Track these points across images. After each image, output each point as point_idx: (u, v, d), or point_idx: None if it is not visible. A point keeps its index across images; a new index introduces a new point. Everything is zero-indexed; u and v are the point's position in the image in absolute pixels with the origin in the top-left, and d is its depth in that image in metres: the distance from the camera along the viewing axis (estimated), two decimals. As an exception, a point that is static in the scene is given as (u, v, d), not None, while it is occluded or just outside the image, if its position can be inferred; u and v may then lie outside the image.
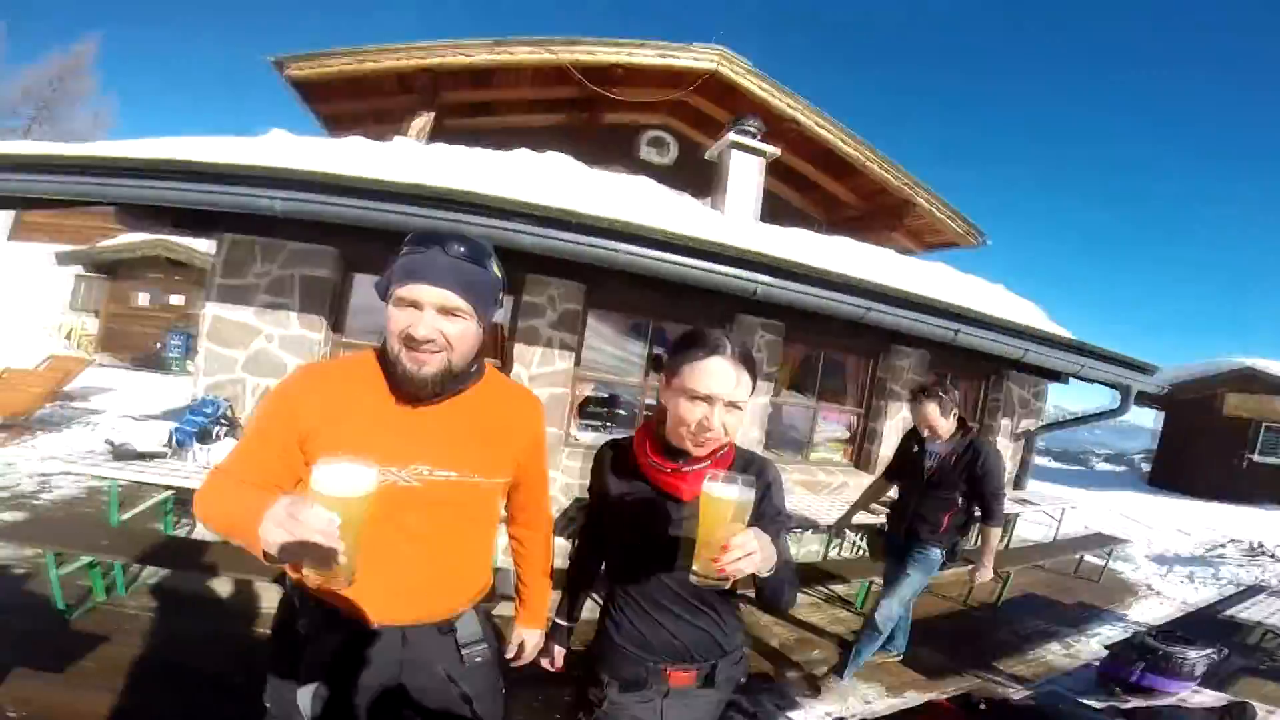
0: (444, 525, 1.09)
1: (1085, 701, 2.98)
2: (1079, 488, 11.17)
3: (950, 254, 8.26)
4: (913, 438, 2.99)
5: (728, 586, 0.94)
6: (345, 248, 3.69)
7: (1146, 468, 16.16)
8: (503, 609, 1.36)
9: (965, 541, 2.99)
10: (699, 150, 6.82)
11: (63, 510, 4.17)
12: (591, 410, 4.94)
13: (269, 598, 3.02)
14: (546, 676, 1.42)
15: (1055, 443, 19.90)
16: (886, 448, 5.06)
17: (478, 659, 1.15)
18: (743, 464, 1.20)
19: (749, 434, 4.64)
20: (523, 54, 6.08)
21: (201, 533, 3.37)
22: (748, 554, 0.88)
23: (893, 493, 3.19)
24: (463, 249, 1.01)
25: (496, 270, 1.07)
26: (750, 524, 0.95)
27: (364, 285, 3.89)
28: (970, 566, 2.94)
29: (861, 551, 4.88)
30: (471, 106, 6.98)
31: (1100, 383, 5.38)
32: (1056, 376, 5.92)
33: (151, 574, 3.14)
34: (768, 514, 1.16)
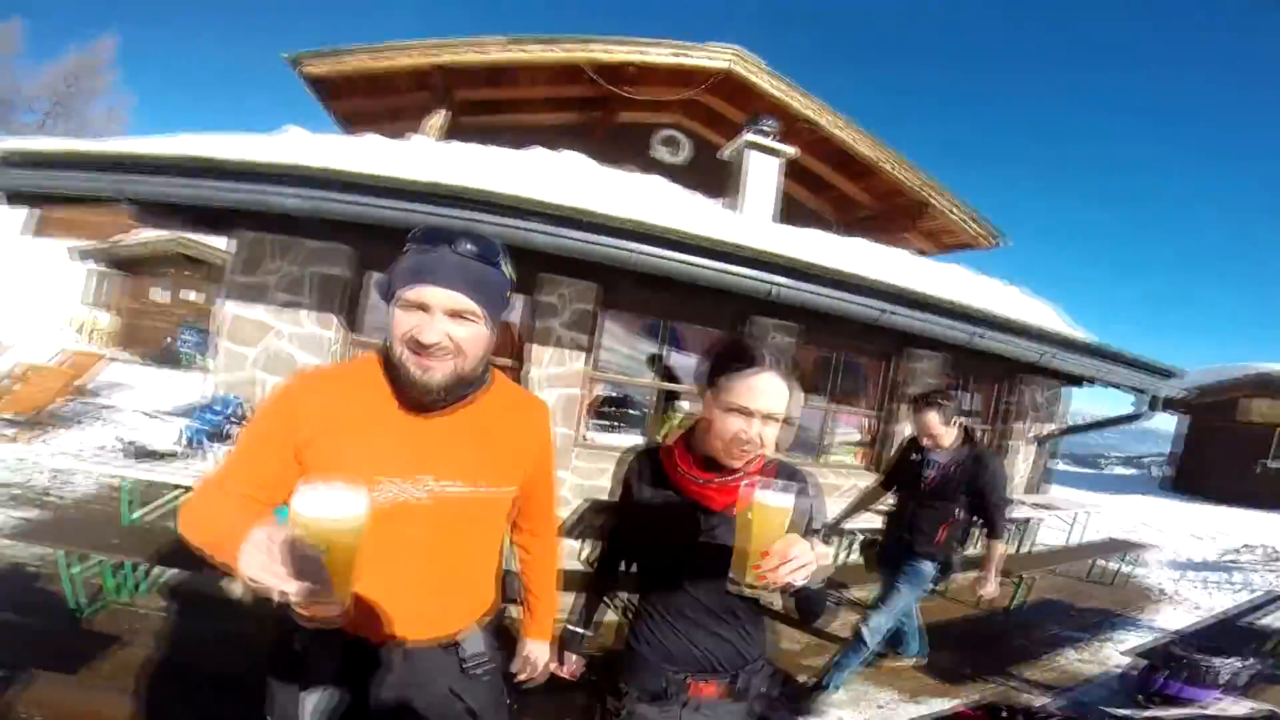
0: (450, 539, 1.04)
1: (1112, 711, 2.92)
2: (1092, 491, 11.02)
3: (966, 255, 8.16)
4: (913, 446, 2.89)
5: (773, 596, 0.93)
6: (360, 246, 3.68)
7: (1160, 471, 15.94)
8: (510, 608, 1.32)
9: (961, 554, 2.88)
10: (713, 150, 6.77)
11: (77, 508, 4.18)
12: (603, 410, 4.92)
13: (283, 599, 3.00)
14: (559, 684, 1.39)
15: (1067, 446, 19.63)
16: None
17: (483, 676, 1.11)
18: (787, 474, 1.17)
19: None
20: (536, 52, 6.05)
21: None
22: (799, 563, 0.87)
23: (891, 500, 3.08)
24: (473, 247, 0.94)
25: (508, 269, 1.01)
26: (796, 533, 0.93)
27: (379, 284, 3.86)
28: (977, 574, 2.84)
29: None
30: (486, 105, 6.97)
31: (1121, 387, 5.29)
32: (1076, 381, 5.83)
33: (165, 574, 3.13)
34: (812, 524, 1.14)
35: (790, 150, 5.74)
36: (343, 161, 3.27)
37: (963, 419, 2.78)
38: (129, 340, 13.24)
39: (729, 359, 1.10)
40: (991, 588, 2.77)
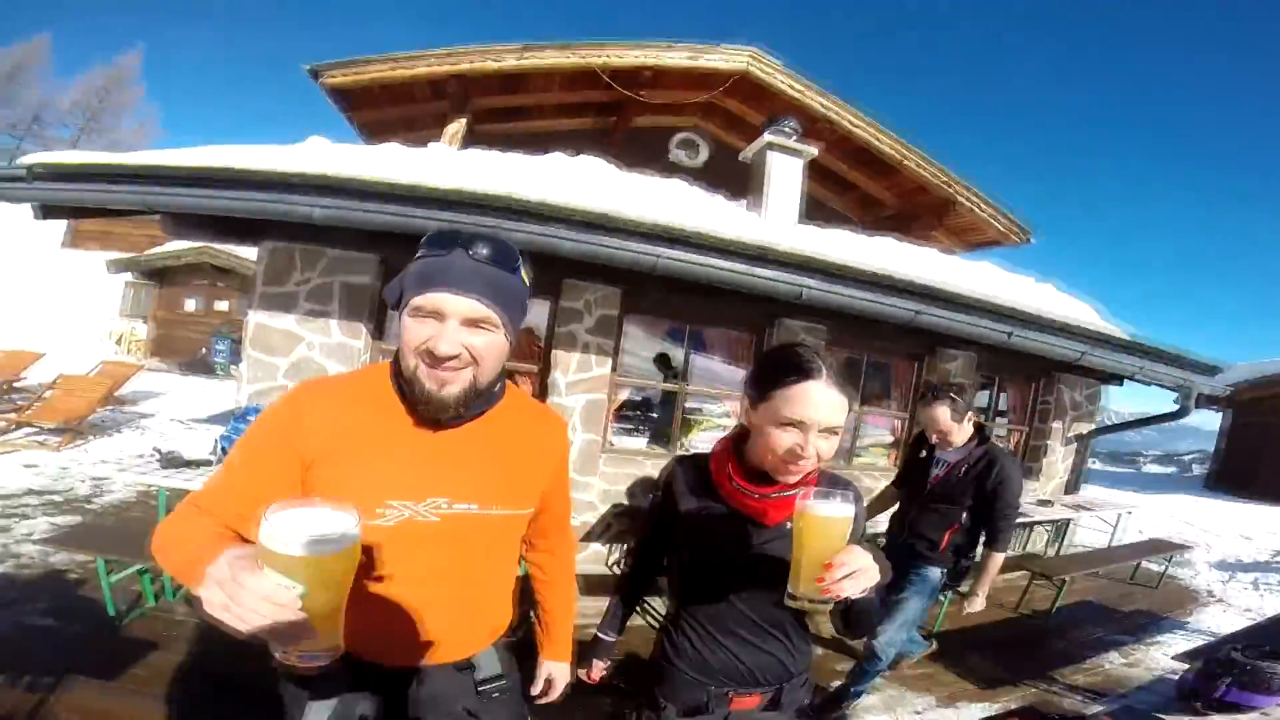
0: (463, 563, 0.99)
1: (1166, 717, 2.80)
2: (1131, 490, 10.70)
3: (996, 252, 8.00)
4: (921, 443, 2.71)
5: (829, 608, 0.89)
6: (385, 254, 3.69)
7: (1200, 469, 15.42)
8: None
9: (971, 561, 2.65)
10: (731, 152, 6.72)
11: (115, 515, 4.26)
12: (625, 414, 4.89)
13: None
14: (586, 688, 1.37)
15: (1102, 444, 19.18)
16: (934, 454, 4.90)
17: (498, 696, 1.08)
18: (829, 482, 1.13)
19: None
20: (551, 58, 6.05)
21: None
22: (855, 572, 0.85)
23: None
24: (488, 251, 0.88)
25: (525, 274, 0.96)
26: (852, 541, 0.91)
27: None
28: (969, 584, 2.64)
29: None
30: (503, 112, 7.00)
31: (1160, 385, 5.12)
32: (1113, 378, 5.66)
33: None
34: (859, 533, 1.09)
35: (812, 150, 5.67)
36: (365, 170, 3.28)
37: (974, 414, 2.56)
38: (163, 350, 13.54)
39: (780, 369, 1.04)
40: (978, 604, 2.53)
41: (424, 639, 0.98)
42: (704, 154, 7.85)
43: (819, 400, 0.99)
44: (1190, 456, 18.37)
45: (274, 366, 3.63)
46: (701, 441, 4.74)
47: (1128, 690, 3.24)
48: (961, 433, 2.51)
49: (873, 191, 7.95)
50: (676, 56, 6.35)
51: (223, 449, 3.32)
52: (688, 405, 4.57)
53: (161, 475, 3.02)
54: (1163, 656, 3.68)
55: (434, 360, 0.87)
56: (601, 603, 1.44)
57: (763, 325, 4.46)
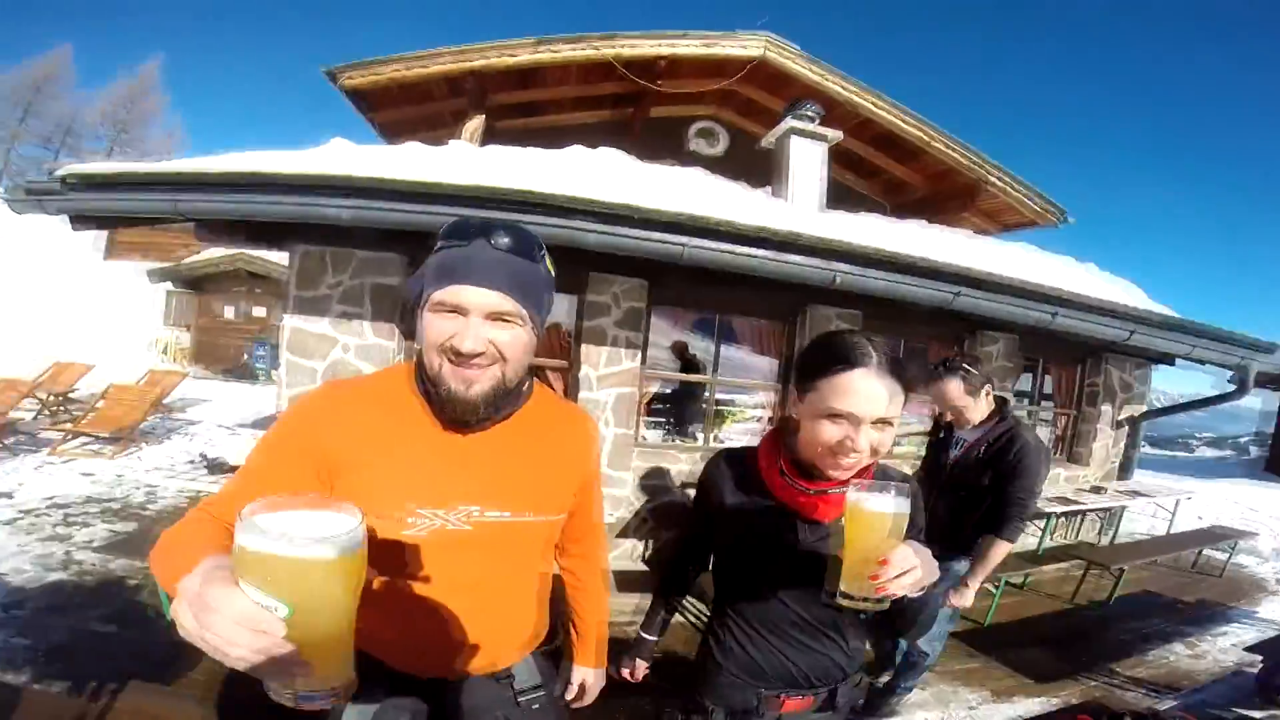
0: (496, 572, 0.96)
1: (1244, 713, 2.66)
2: (1184, 476, 10.29)
3: (1029, 234, 7.78)
4: (939, 424, 2.51)
5: (882, 607, 0.84)
6: (411, 254, 3.69)
7: (1256, 452, 14.79)
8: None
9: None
10: (750, 140, 6.62)
11: (169, 521, 4.33)
12: (655, 407, 4.84)
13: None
14: (624, 687, 1.34)
15: (1150, 427, 18.43)
16: (974, 440, 4.78)
17: (536, 705, 1.05)
18: (882, 475, 1.07)
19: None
20: (565, 51, 6.01)
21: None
22: (908, 570, 0.80)
23: None
24: (510, 241, 0.84)
25: (548, 265, 0.91)
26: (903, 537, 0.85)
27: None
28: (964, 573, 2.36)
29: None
30: (520, 107, 6.99)
31: (1213, 364, 4.90)
32: (1161, 358, 5.45)
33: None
34: (915, 528, 1.02)
35: (834, 134, 5.55)
36: (387, 170, 3.27)
37: (991, 388, 2.30)
38: (206, 357, 13.87)
39: (826, 357, 0.97)
40: (968, 598, 2.24)
41: (459, 650, 0.95)
42: (723, 143, 7.75)
43: (868, 390, 0.92)
44: (1247, 439, 17.61)
45: (311, 370, 3.66)
46: (735, 433, 4.68)
47: (1199, 684, 3.11)
48: (979, 409, 2.28)
49: (898, 175, 7.78)
50: (690, 45, 6.26)
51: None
52: (719, 396, 4.51)
53: (208, 480, 3.06)
54: (1232, 648, 3.53)
55: (458, 357, 0.83)
56: (634, 599, 1.40)
57: (793, 313, 4.38)
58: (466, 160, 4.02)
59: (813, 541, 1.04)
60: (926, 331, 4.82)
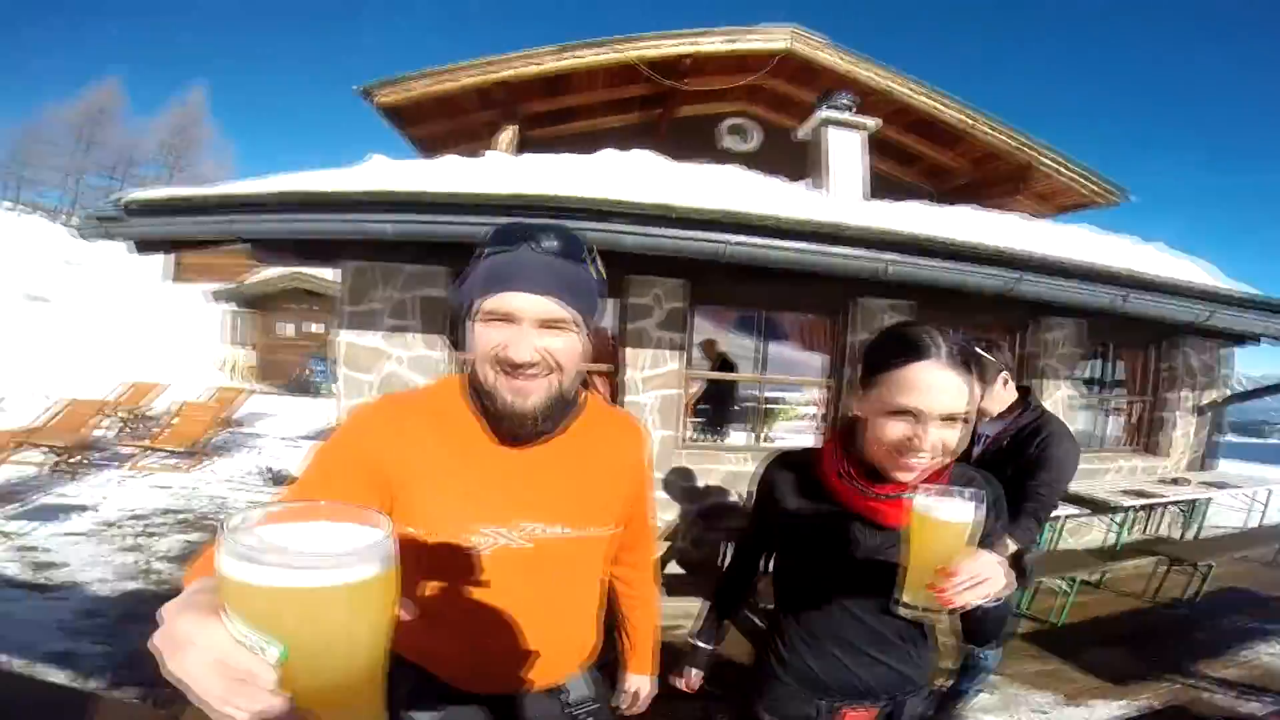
0: (556, 588, 0.94)
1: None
2: (1267, 464, 9.56)
3: (1084, 216, 7.39)
4: None
5: (945, 620, 0.80)
6: (455, 265, 3.75)
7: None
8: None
9: (1040, 552, 2.26)
10: (783, 134, 6.51)
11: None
12: (699, 408, 4.79)
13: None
14: (676, 695, 1.32)
15: (1230, 413, 17.17)
16: (1042, 431, 4.55)
17: (589, 718, 1.04)
18: (962, 479, 1.00)
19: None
20: (588, 56, 6.02)
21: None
22: (978, 580, 0.75)
23: None
24: (556, 243, 0.81)
25: (597, 268, 0.88)
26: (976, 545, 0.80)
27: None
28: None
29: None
30: (550, 115, 7.05)
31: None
32: (1241, 339, 5.07)
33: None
34: (992, 534, 0.97)
35: (871, 122, 5.41)
36: (425, 184, 3.34)
37: (1010, 376, 2.14)
38: (268, 374, 14.53)
39: (887, 350, 0.92)
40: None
41: (519, 667, 0.94)
42: (755, 138, 7.64)
43: (933, 383, 0.87)
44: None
45: (366, 383, 3.77)
46: (784, 431, 4.59)
47: (1281, 684, 2.89)
48: (998, 399, 2.11)
49: (941, 161, 7.55)
50: (713, 42, 6.18)
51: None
52: (767, 394, 4.43)
53: (272, 492, 3.17)
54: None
55: (511, 368, 0.80)
56: (681, 603, 1.37)
57: (842, 307, 4.28)
58: (501, 170, 4.07)
59: (880, 548, 0.99)
60: (987, 319, 4.62)
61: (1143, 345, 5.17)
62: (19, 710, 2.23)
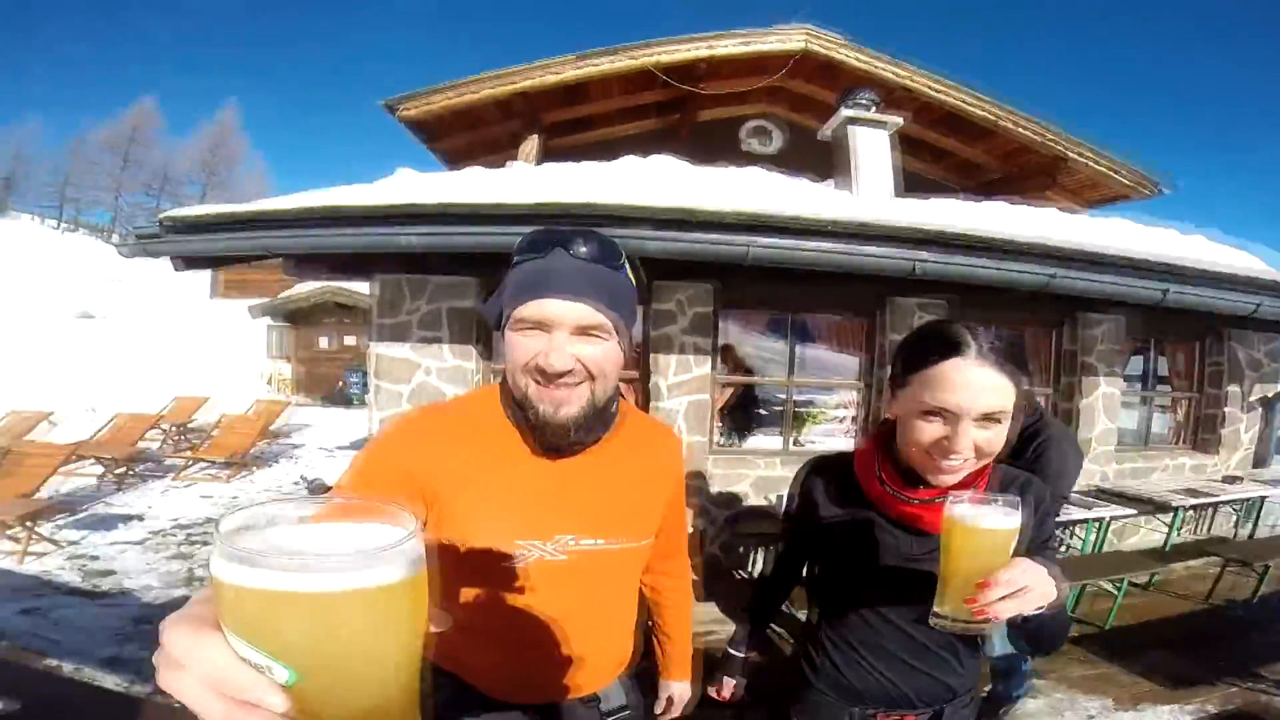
0: (592, 598, 0.93)
1: None
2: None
3: (1122, 208, 7.15)
4: None
5: (982, 631, 0.76)
6: (483, 276, 3.81)
7: None
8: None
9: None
10: (807, 135, 6.44)
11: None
12: (728, 412, 4.74)
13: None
14: (712, 703, 1.32)
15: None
16: (1083, 429, 4.41)
17: None
18: (1004, 482, 0.98)
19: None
20: (604, 64, 6.04)
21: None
22: (1016, 592, 0.70)
23: None
24: (589, 249, 0.79)
25: (632, 273, 0.86)
26: (1018, 553, 0.76)
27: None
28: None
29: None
30: (571, 124, 7.11)
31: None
32: (1298, 330, 4.82)
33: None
34: (1037, 542, 0.95)
35: (896, 119, 5.31)
36: (451, 195, 3.39)
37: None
38: (307, 386, 14.91)
39: (920, 347, 0.89)
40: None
41: (556, 677, 0.94)
42: (778, 140, 7.59)
43: (966, 381, 0.83)
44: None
45: (398, 393, 3.84)
46: (817, 435, 4.53)
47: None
48: None
49: (971, 156, 7.39)
50: (728, 45, 6.15)
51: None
52: (797, 398, 4.37)
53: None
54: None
55: (546, 377, 0.79)
56: (712, 609, 1.34)
57: (874, 307, 4.21)
58: (525, 180, 4.12)
59: (919, 555, 0.96)
60: (1022, 317, 4.50)
61: (1190, 339, 4.97)
62: (71, 712, 2.31)
